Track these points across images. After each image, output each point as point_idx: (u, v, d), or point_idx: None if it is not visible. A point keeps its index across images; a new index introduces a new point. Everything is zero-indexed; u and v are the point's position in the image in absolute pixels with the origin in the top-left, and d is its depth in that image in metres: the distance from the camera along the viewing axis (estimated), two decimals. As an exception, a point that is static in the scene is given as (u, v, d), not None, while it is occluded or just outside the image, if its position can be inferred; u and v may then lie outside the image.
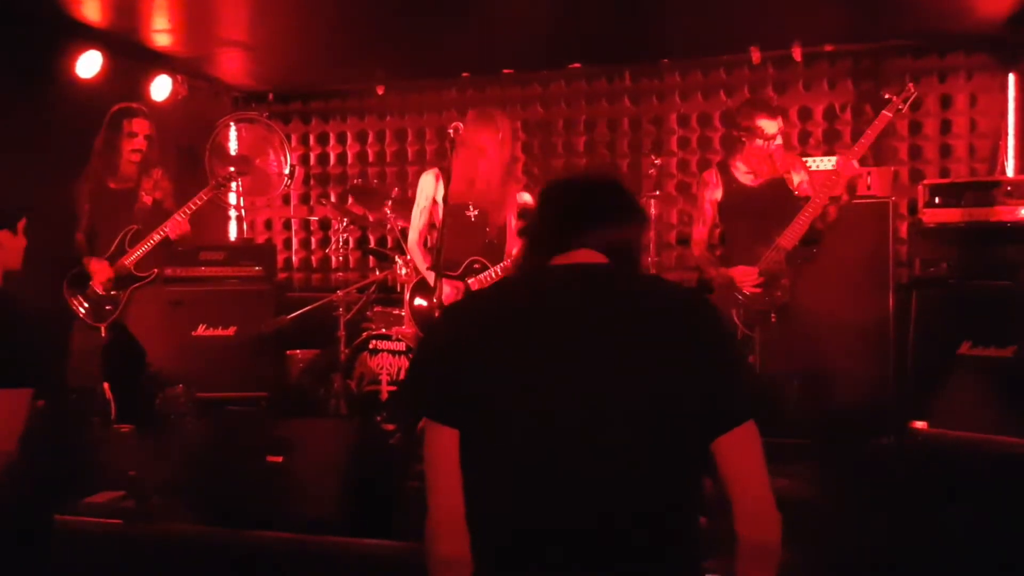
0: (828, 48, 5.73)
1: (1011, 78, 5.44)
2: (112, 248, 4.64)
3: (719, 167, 4.41)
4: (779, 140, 4.25)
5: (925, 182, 4.87)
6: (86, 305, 4.61)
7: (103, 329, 4.61)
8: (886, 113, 4.18)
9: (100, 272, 4.60)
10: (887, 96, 4.23)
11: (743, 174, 4.30)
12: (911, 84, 4.25)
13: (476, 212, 4.39)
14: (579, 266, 1.71)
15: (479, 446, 1.66)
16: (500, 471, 1.65)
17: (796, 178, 4.29)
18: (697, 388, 1.61)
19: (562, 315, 1.67)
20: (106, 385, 4.64)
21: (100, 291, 4.60)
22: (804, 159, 4.76)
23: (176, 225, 4.62)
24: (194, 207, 4.66)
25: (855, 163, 4.21)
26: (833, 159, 5.20)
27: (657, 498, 1.62)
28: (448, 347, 1.73)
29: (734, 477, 1.62)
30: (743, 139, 4.26)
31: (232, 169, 5.11)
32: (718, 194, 4.34)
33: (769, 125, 4.19)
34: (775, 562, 1.62)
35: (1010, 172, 5.31)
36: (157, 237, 4.61)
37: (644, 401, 1.60)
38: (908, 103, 4.22)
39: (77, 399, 4.47)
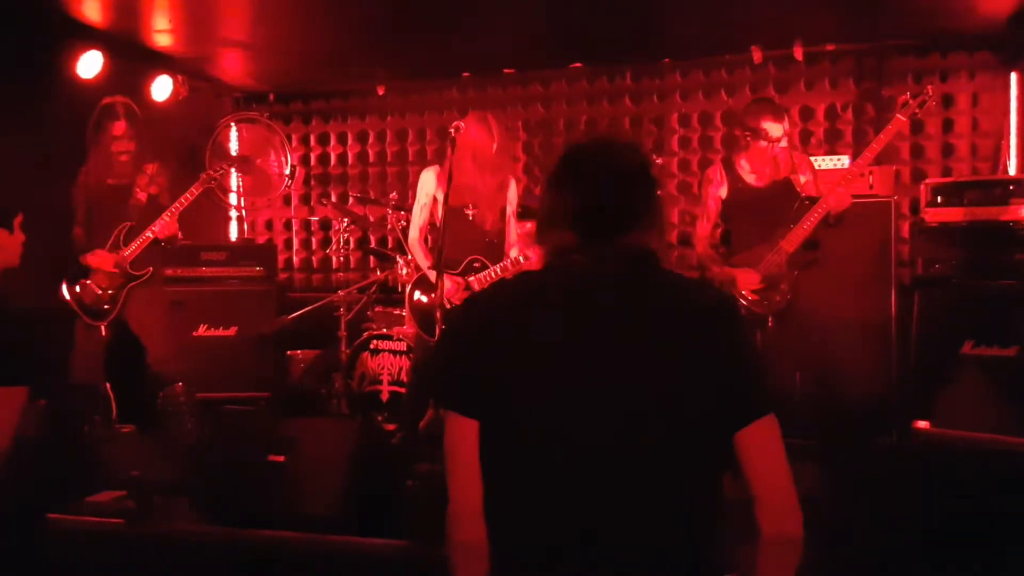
0: (830, 47, 5.73)
1: (1013, 77, 5.43)
2: (107, 245, 4.63)
3: (724, 164, 4.38)
4: (784, 143, 4.20)
5: (927, 181, 4.86)
6: (85, 303, 4.60)
7: (103, 328, 4.60)
8: (900, 117, 4.10)
9: (104, 262, 4.57)
10: (903, 100, 4.13)
11: (747, 173, 4.28)
12: (929, 87, 4.15)
13: (475, 212, 4.38)
14: (596, 260, 1.69)
15: (496, 438, 1.66)
16: (515, 465, 1.66)
17: (803, 179, 4.26)
18: (716, 383, 1.61)
19: (580, 311, 1.66)
20: (107, 384, 4.64)
21: (105, 284, 4.59)
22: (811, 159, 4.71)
23: (164, 226, 4.60)
24: (182, 205, 4.63)
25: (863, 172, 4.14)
26: (835, 158, 5.20)
27: (673, 497, 1.62)
28: (469, 338, 1.73)
29: (756, 471, 1.62)
30: (748, 139, 4.23)
31: (224, 166, 5.06)
32: (723, 191, 4.32)
33: (774, 128, 4.15)
34: (797, 555, 1.62)
35: (1012, 171, 5.31)
36: (149, 235, 4.60)
37: (662, 398, 1.60)
38: (924, 107, 4.11)
39: (79, 398, 4.46)
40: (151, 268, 4.69)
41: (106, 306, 4.62)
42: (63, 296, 4.57)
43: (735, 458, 1.63)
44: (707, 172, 4.47)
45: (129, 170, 4.71)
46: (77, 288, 4.61)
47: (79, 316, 4.60)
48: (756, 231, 4.22)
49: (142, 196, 4.72)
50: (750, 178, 4.28)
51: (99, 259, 4.58)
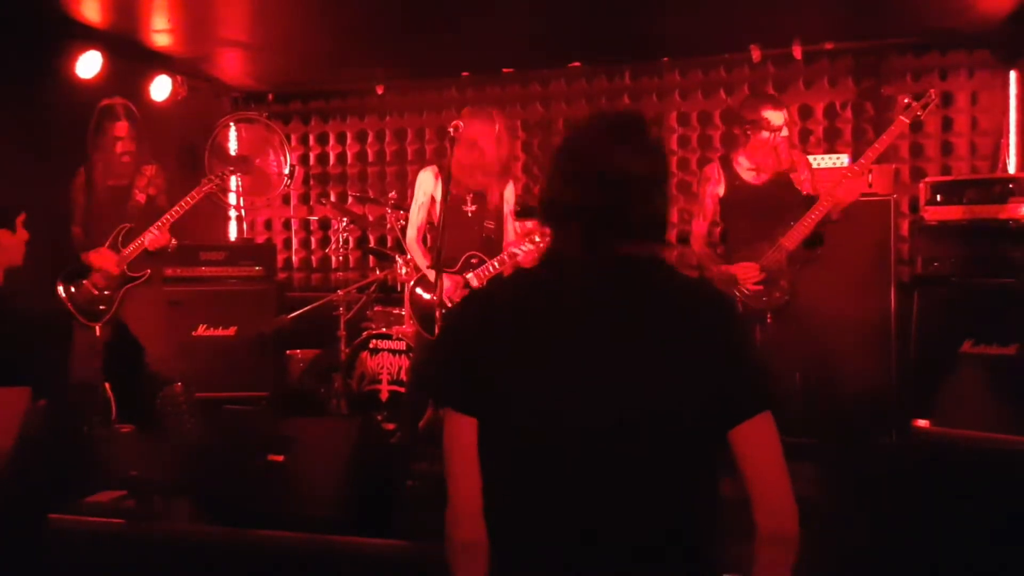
0: (828, 46, 5.72)
1: (1012, 75, 5.43)
2: (106, 245, 4.63)
3: (721, 162, 4.38)
4: (785, 132, 4.19)
5: (926, 180, 4.86)
6: (79, 303, 4.60)
7: (97, 328, 4.60)
8: (903, 119, 4.09)
9: (106, 261, 4.57)
10: (905, 103, 4.13)
11: (746, 170, 4.28)
12: (932, 91, 4.13)
13: (473, 208, 4.38)
14: (597, 257, 1.69)
15: (494, 436, 1.67)
16: (514, 463, 1.66)
17: (801, 176, 4.26)
18: (712, 381, 1.61)
19: (577, 308, 1.66)
20: (107, 384, 4.64)
21: (102, 284, 4.58)
22: (809, 157, 4.71)
23: (155, 239, 4.60)
24: (176, 215, 4.62)
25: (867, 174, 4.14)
26: (834, 157, 5.20)
27: (671, 496, 1.62)
28: (467, 336, 1.73)
29: (752, 468, 1.62)
30: (748, 133, 4.20)
31: (218, 176, 5.03)
32: (720, 189, 4.31)
33: (775, 116, 4.14)
34: (793, 552, 1.62)
35: (1012, 170, 5.30)
36: (142, 241, 4.60)
37: (659, 396, 1.60)
38: (927, 109, 4.10)
39: (79, 398, 4.46)
40: (148, 270, 4.68)
41: (101, 306, 4.61)
42: (59, 295, 4.57)
43: (733, 457, 1.63)
44: (704, 170, 4.45)
45: (129, 171, 4.71)
46: (72, 288, 4.60)
47: (74, 316, 4.60)
48: (754, 229, 4.21)
49: (141, 197, 4.72)
50: (748, 175, 4.27)
51: (102, 258, 4.58)
